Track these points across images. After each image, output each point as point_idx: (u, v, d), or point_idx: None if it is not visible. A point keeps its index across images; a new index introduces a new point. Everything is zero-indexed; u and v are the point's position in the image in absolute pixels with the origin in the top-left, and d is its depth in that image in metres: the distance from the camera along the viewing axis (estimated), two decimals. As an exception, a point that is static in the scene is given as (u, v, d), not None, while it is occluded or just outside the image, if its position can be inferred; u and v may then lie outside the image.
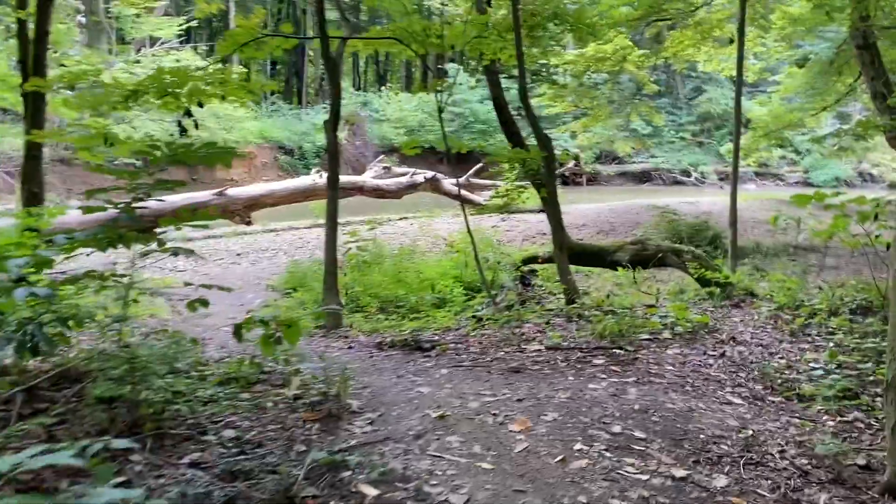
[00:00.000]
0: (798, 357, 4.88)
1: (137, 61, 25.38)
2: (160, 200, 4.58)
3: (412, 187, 16.07)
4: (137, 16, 26.63)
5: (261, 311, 7.61)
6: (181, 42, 29.04)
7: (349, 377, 3.79)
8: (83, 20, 26.93)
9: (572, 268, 8.22)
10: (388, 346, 5.24)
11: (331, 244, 6.67)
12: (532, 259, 8.84)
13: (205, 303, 4.55)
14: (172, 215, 12.14)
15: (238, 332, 3.41)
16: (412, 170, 16.48)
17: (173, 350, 3.83)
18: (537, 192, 7.95)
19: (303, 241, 12.71)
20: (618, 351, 4.85)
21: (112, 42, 27.93)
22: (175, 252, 4.47)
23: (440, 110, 6.89)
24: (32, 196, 8.24)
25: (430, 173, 16.38)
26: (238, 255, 11.64)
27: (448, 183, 16.67)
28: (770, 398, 4.14)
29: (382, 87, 33.56)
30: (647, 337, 5.23)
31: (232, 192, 14.26)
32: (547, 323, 6.00)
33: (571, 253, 7.82)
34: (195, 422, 3.33)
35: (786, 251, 11.69)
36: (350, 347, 5.36)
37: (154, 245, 4.76)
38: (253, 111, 30.57)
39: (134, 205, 4.02)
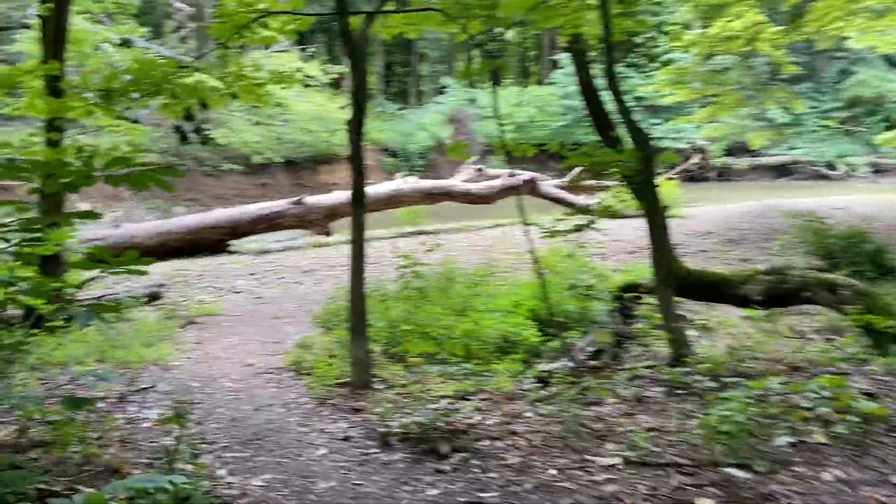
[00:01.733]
0: None
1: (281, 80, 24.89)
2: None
3: (508, 191, 14.41)
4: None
5: (289, 354, 6.26)
6: (299, 46, 28.44)
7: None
8: (192, 25, 27.09)
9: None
10: (395, 439, 3.68)
11: (356, 277, 5.19)
12: (632, 287, 7.02)
13: (87, 402, 3.19)
14: (250, 225, 10.49)
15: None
16: (507, 171, 14.83)
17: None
18: (638, 203, 6.15)
19: (378, 256, 11.34)
20: (738, 474, 3.05)
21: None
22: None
23: (495, 102, 5.27)
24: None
25: (527, 175, 14.67)
26: (304, 272, 10.45)
27: (549, 185, 14.91)
28: None
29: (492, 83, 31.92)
30: (787, 441, 3.37)
31: (310, 200, 13.19)
32: (638, 401, 4.23)
33: (683, 283, 5.96)
34: None
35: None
36: (346, 439, 3.83)
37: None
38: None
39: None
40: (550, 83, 33.06)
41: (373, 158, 28.89)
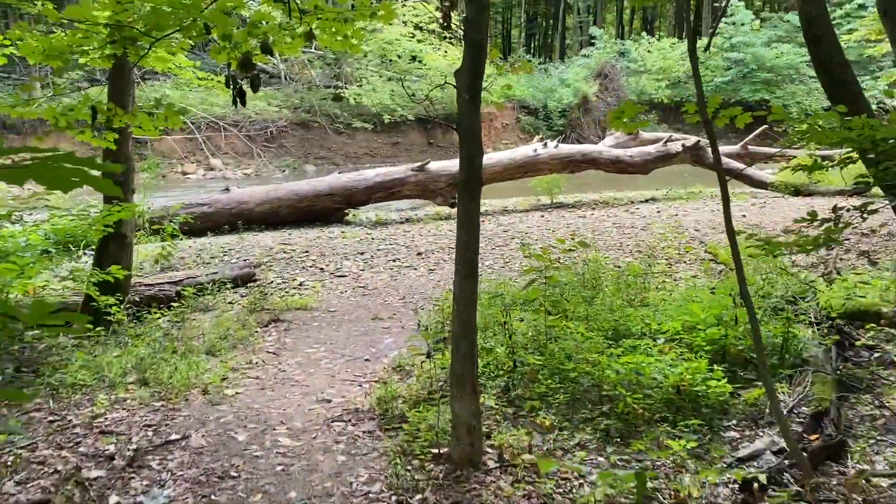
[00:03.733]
0: None
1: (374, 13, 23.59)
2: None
3: (665, 158, 12.18)
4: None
5: (377, 387, 4.73)
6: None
7: None
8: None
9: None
10: None
11: (462, 304, 3.51)
12: (863, 315, 4.95)
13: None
14: (366, 193, 8.31)
15: None
16: (666, 135, 12.58)
17: None
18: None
19: (508, 235, 9.66)
20: None
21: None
22: None
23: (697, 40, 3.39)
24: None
25: (690, 139, 12.35)
26: (419, 253, 8.94)
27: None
28: None
29: (643, 34, 28.95)
30: None
31: (434, 166, 11.64)
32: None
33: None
34: None
35: None
36: None
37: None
38: (496, 67, 27.97)
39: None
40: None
41: (509, 117, 27.00)
